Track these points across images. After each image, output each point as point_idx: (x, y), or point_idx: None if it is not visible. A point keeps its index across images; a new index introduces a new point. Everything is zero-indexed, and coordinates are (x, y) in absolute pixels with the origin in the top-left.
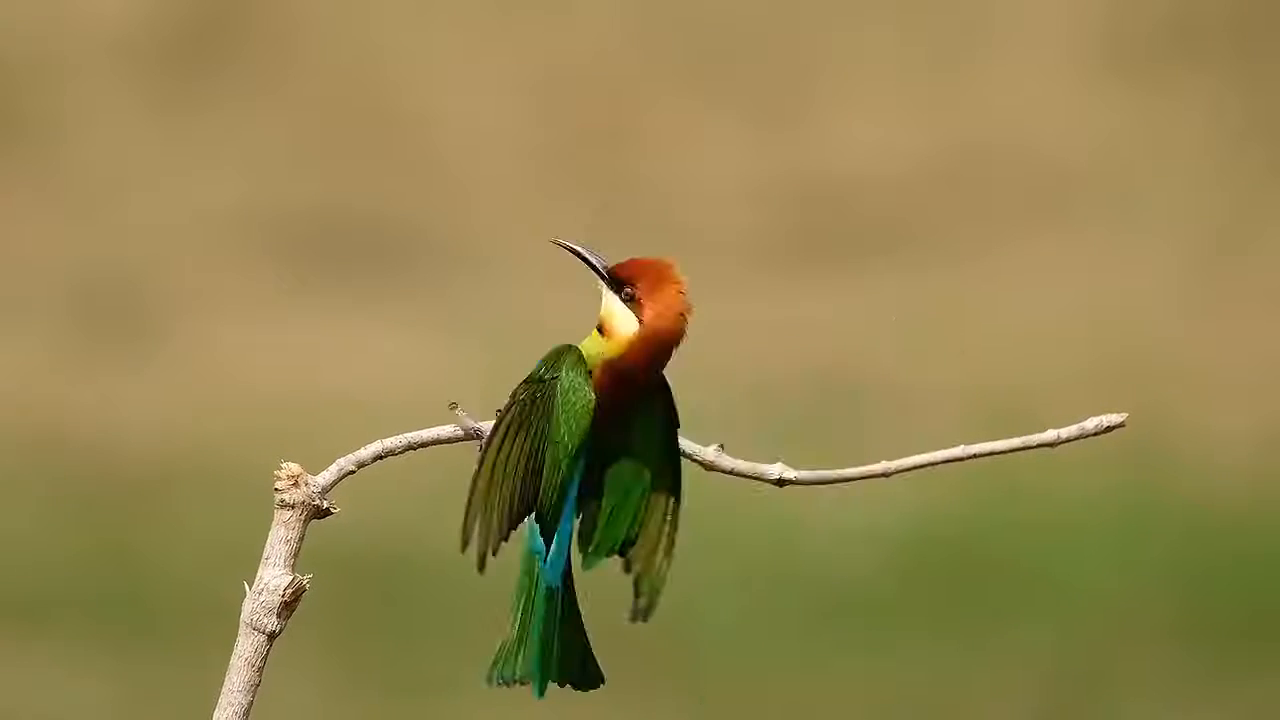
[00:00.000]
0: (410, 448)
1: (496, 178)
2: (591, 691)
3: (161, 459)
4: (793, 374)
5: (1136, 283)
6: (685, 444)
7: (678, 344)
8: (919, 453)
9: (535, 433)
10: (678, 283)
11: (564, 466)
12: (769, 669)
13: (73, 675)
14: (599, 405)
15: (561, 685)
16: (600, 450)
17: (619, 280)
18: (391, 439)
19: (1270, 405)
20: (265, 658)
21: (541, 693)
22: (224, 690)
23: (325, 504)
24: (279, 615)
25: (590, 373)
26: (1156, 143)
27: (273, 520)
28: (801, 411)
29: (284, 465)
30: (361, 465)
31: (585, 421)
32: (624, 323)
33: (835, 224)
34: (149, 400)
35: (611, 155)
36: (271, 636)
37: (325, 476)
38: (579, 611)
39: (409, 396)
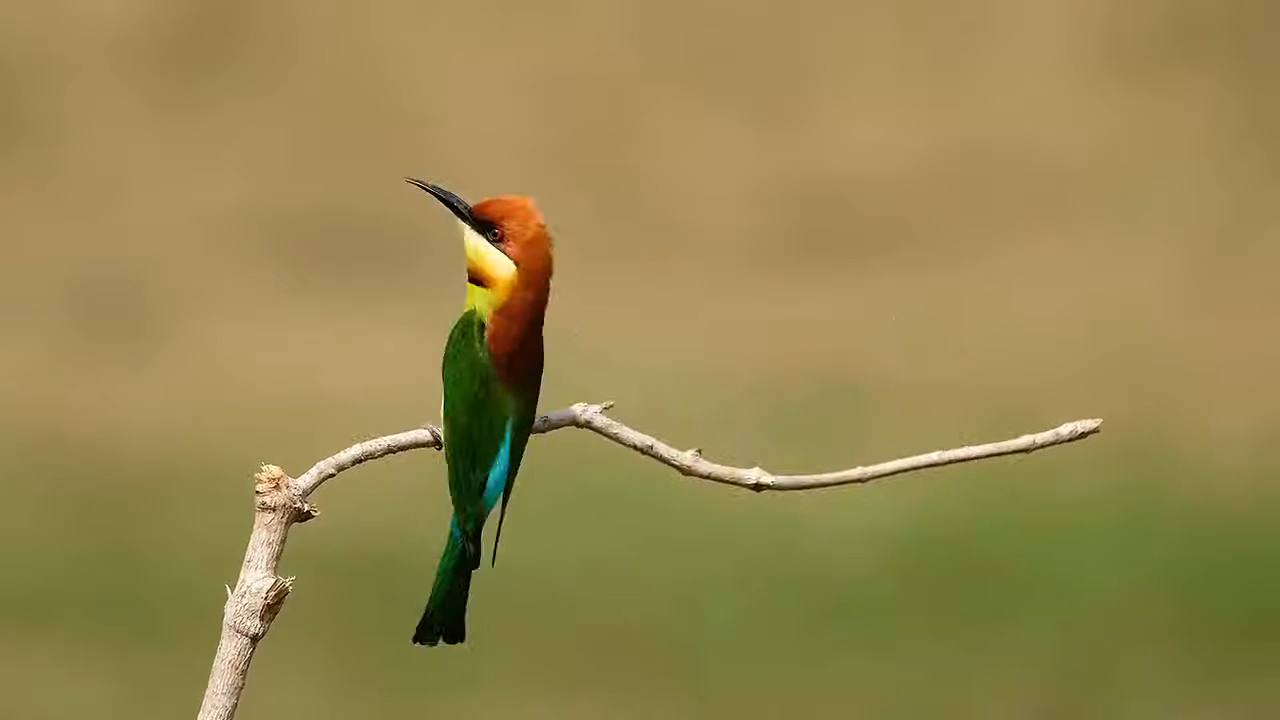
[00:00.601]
0: (390, 450)
1: (496, 178)
2: (592, 689)
3: (161, 459)
4: (793, 374)
5: (1136, 283)
6: (662, 449)
7: (549, 277)
8: (918, 453)
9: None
10: (538, 218)
11: (464, 436)
12: (769, 669)
13: (73, 675)
14: (508, 354)
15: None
16: (521, 413)
17: (484, 222)
18: (371, 442)
19: (1270, 405)
20: (249, 660)
21: (424, 641)
22: (208, 693)
23: (306, 507)
24: (261, 617)
25: (484, 327)
26: (1156, 143)
27: (254, 523)
28: (801, 412)
29: (265, 467)
30: (341, 468)
31: (470, 385)
32: (500, 266)
33: (835, 224)
34: (149, 400)
35: (611, 155)
36: (254, 639)
37: (306, 479)
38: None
39: (409, 397)
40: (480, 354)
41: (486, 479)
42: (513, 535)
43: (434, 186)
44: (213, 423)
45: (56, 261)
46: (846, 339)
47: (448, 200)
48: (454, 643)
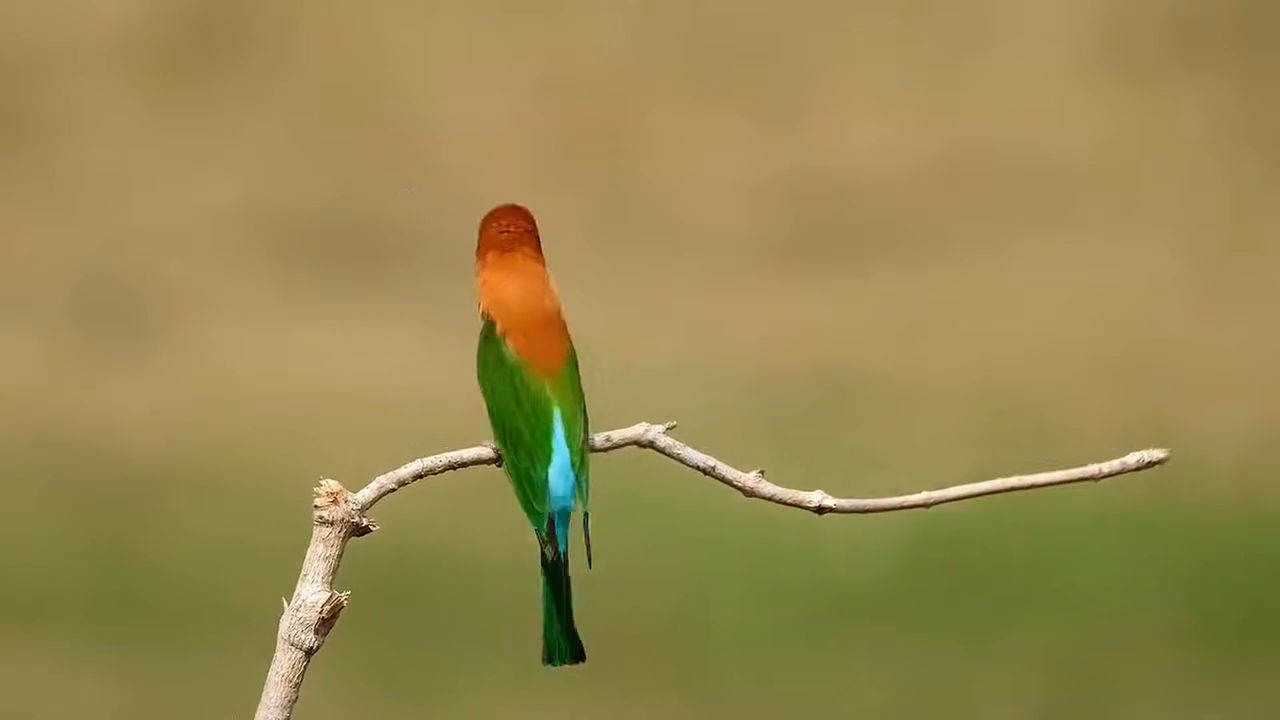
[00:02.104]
0: (451, 467)
1: (496, 178)
2: (598, 689)
3: (161, 459)
4: (793, 372)
5: (1136, 283)
6: (725, 470)
7: (531, 251)
8: (919, 450)
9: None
10: (503, 214)
11: (514, 435)
12: (772, 669)
13: (73, 675)
14: (526, 341)
15: (563, 661)
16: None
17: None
18: (432, 458)
19: (1270, 406)
20: (302, 674)
21: (551, 661)
22: (261, 706)
23: (365, 521)
24: (316, 631)
25: (496, 327)
26: (1157, 143)
27: (311, 537)
28: (802, 409)
29: (323, 482)
30: (402, 484)
31: (505, 381)
32: (476, 269)
33: (835, 224)
34: (149, 400)
35: (611, 155)
36: (309, 653)
37: (365, 494)
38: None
39: (409, 396)
40: (503, 348)
41: (546, 475)
42: (514, 535)
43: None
44: (212, 422)
45: (56, 261)
46: (846, 338)
47: None
48: (575, 662)
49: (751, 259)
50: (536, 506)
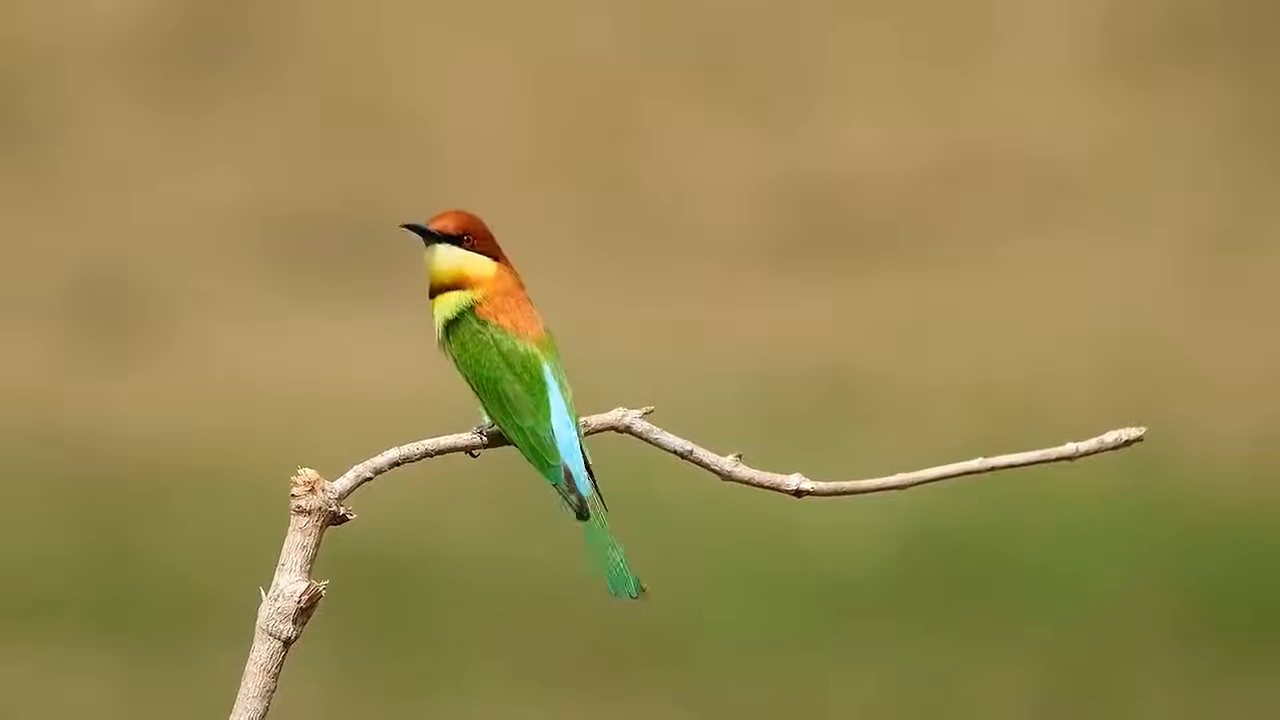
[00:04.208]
0: (428, 454)
1: (496, 177)
2: (584, 689)
3: (161, 458)
4: (793, 372)
5: (1137, 282)
6: (703, 454)
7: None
8: (919, 451)
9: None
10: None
11: (511, 399)
12: (770, 667)
13: (72, 674)
14: (508, 315)
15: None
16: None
17: (454, 237)
18: (409, 445)
19: (1270, 405)
20: (281, 664)
21: (618, 593)
22: (240, 696)
23: (342, 510)
24: (295, 621)
25: (474, 310)
26: (1157, 143)
27: (289, 526)
28: (801, 410)
29: (301, 471)
30: (379, 472)
31: (491, 350)
32: (483, 265)
33: (835, 224)
34: (148, 399)
35: (611, 155)
36: (287, 643)
37: (342, 483)
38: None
39: (409, 396)
40: (485, 325)
41: (551, 427)
42: (513, 537)
43: (414, 225)
44: (212, 422)
45: (56, 261)
46: (846, 338)
47: (424, 230)
48: (638, 595)
49: (751, 259)
50: (549, 460)
